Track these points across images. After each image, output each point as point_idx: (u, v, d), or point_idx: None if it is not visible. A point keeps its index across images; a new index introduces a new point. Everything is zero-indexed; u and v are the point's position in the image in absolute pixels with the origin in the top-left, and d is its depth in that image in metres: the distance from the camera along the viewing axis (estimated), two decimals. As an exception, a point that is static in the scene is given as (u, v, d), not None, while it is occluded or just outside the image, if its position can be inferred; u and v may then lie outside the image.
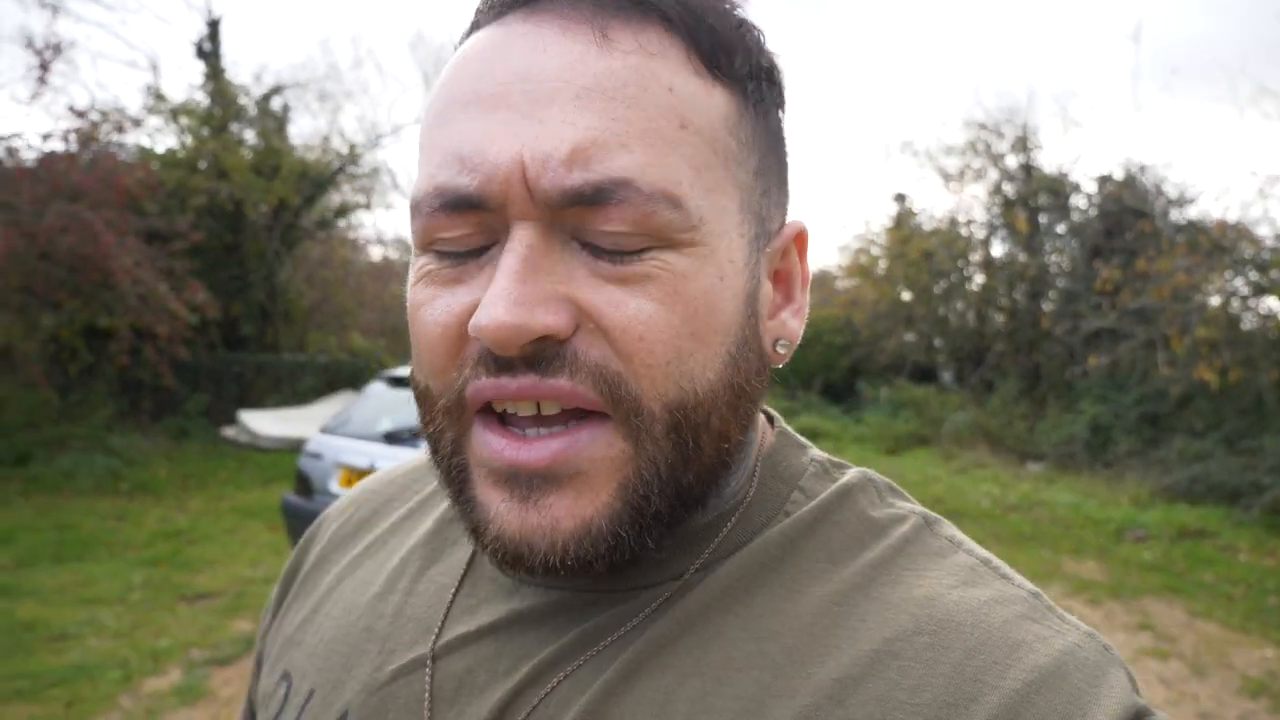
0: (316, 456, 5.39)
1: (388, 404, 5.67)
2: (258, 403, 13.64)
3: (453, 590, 0.64)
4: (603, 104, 0.49)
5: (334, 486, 5.26)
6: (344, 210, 16.56)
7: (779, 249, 0.59)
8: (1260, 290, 11.97)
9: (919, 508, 0.62)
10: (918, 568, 0.56)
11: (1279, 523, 9.45)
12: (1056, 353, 15.32)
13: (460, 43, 0.57)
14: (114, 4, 25.03)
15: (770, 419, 0.66)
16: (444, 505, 0.72)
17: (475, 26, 0.56)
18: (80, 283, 10.33)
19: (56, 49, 10.21)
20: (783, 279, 0.60)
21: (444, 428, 0.53)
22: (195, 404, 12.88)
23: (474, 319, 0.48)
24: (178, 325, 10.72)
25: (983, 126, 17.14)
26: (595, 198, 0.48)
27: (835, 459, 0.65)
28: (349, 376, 14.61)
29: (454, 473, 0.54)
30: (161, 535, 7.36)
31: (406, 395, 5.71)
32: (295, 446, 11.69)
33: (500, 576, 0.62)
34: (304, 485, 5.39)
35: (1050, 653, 0.51)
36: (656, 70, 0.50)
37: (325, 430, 5.63)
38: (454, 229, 0.51)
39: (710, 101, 0.52)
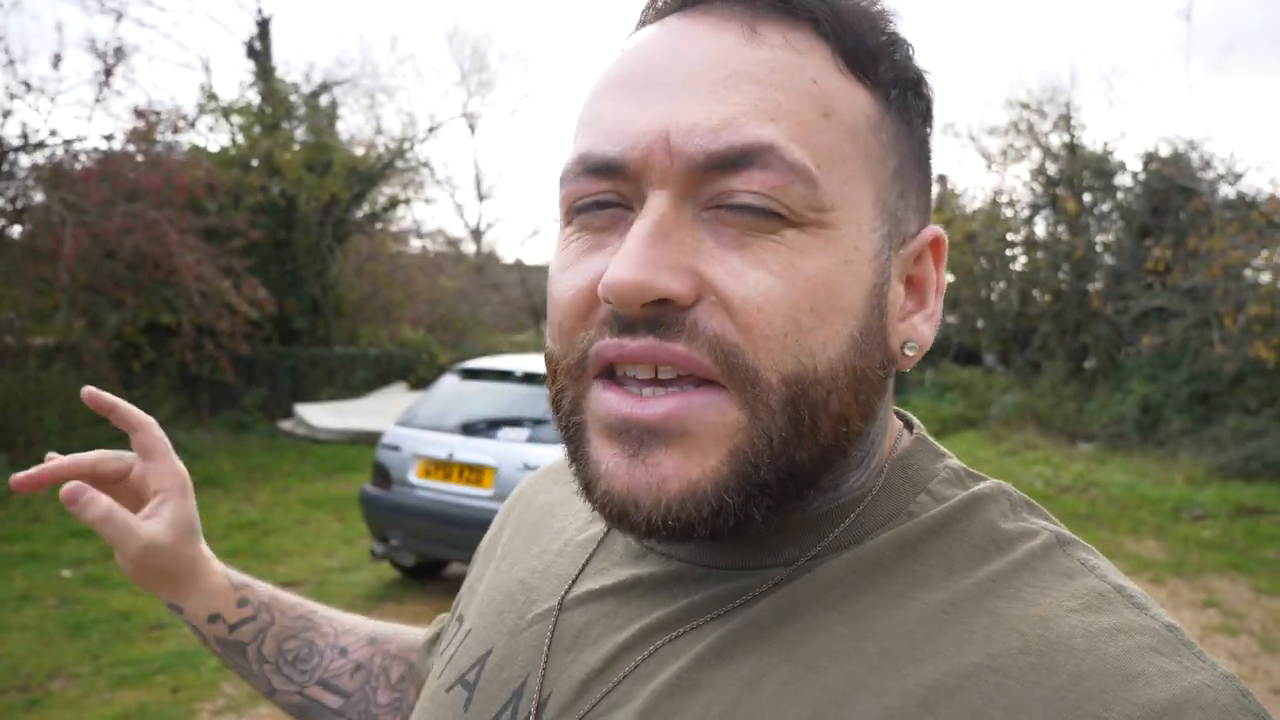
0: (394, 448, 5.56)
1: (460, 396, 5.83)
2: (312, 396, 13.90)
3: (590, 551, 0.69)
4: (750, 86, 0.51)
5: (413, 477, 5.43)
6: (392, 204, 16.80)
7: (913, 253, 0.59)
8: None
9: (1055, 525, 0.59)
10: (1040, 585, 0.54)
11: (1340, 500, 9.38)
12: (1104, 333, 15.16)
13: (625, 41, 0.60)
14: (167, 5, 25.06)
15: (909, 425, 0.67)
16: None
17: (641, 25, 0.60)
18: (143, 281, 10.61)
19: (119, 53, 10.46)
20: (916, 284, 0.60)
21: (565, 386, 0.56)
22: (252, 398, 13.14)
23: (604, 278, 0.50)
24: (237, 321, 10.98)
25: (1025, 106, 16.97)
26: (739, 160, 0.50)
27: (972, 470, 0.63)
28: (400, 368, 14.87)
29: (571, 430, 0.56)
30: (236, 527, 7.59)
31: (478, 388, 5.87)
32: (351, 438, 11.96)
33: (631, 544, 0.65)
34: (382, 476, 5.57)
35: (1172, 690, 0.46)
36: (802, 64, 0.53)
37: (400, 423, 5.79)
38: (592, 194, 0.54)
39: (853, 99, 0.54)
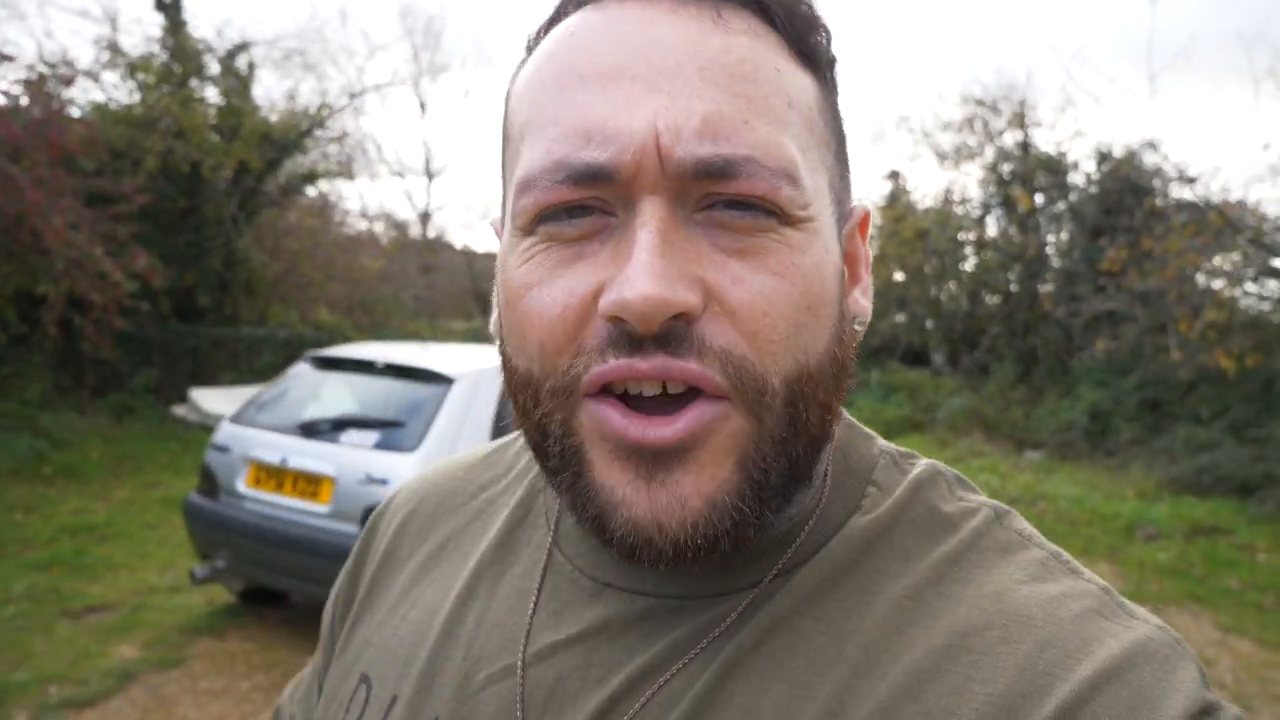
0: (223, 450, 4.60)
1: (310, 389, 4.88)
2: (212, 379, 12.84)
3: (534, 595, 0.63)
4: (725, 79, 0.50)
5: (241, 486, 4.47)
6: (312, 176, 15.66)
7: (849, 231, 0.61)
8: (1271, 273, 11.35)
9: (989, 500, 0.63)
10: (988, 564, 0.57)
11: (1297, 518, 8.86)
12: (1053, 336, 14.76)
13: (547, 26, 0.58)
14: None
15: None
16: (512, 504, 0.71)
17: (563, 12, 0.57)
18: (13, 245, 9.46)
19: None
20: (851, 260, 0.61)
21: (551, 411, 0.52)
22: (143, 380, 12.04)
23: (612, 295, 0.48)
24: (115, 293, 9.86)
25: (980, 102, 16.60)
26: (725, 170, 0.49)
27: (903, 450, 0.66)
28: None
29: (568, 455, 0.52)
30: (68, 531, 6.54)
31: (333, 380, 4.94)
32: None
33: (581, 579, 0.62)
34: (209, 483, 4.61)
35: (1120, 646, 0.51)
36: (765, 51, 0.53)
37: (236, 419, 4.82)
38: (573, 203, 0.51)
39: (804, 85, 0.55)
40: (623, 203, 0.50)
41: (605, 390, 0.50)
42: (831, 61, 0.58)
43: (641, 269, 0.47)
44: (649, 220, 0.48)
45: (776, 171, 0.50)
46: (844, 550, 0.58)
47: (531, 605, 0.62)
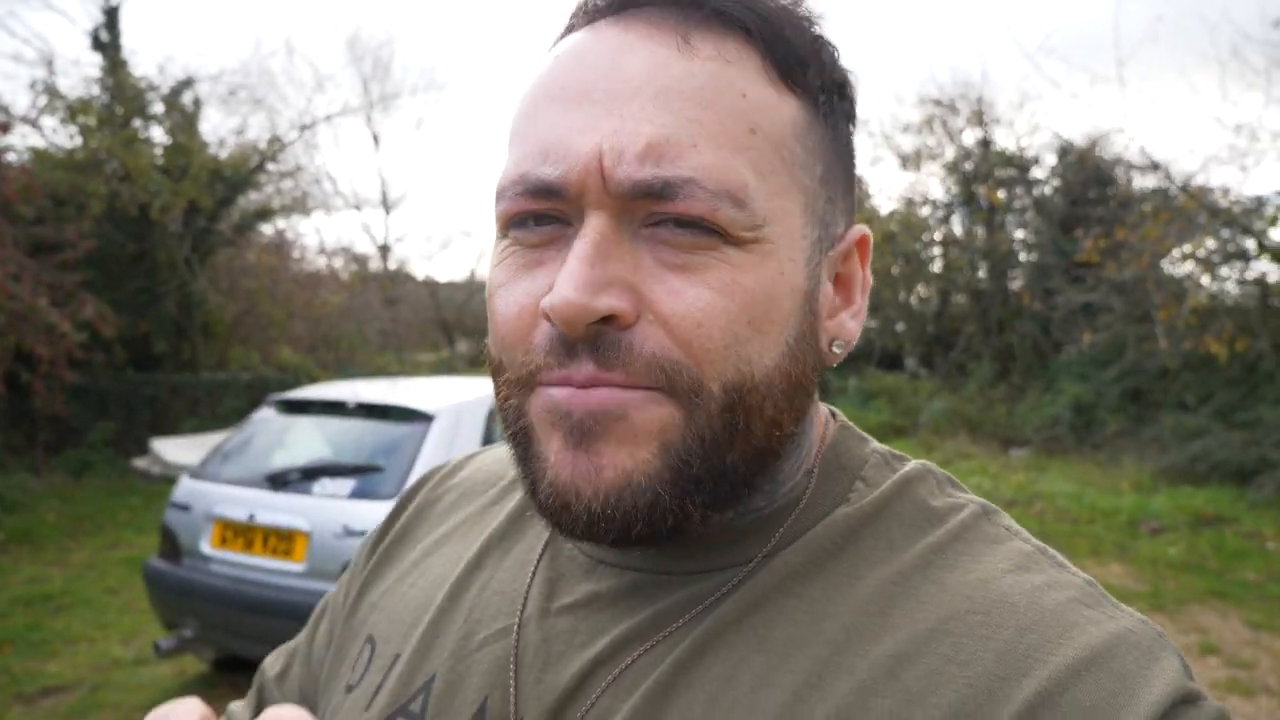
0: (184, 508, 4.20)
1: (277, 436, 4.50)
2: (173, 428, 12.32)
3: (533, 566, 0.66)
4: (680, 104, 0.51)
5: (206, 547, 4.06)
6: (266, 213, 15.21)
7: (841, 253, 0.61)
8: (1241, 256, 11.28)
9: (977, 499, 0.63)
10: (974, 553, 0.57)
11: (1298, 502, 8.70)
12: (1029, 331, 14.65)
13: (555, 45, 0.60)
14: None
15: (833, 414, 0.68)
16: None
17: (570, 29, 0.59)
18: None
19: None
20: (843, 282, 0.62)
21: (509, 396, 0.56)
22: (100, 433, 11.50)
23: (545, 299, 0.51)
24: (65, 345, 9.36)
25: (938, 103, 16.58)
26: (664, 192, 0.50)
27: (895, 451, 0.67)
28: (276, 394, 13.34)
29: (519, 434, 0.55)
30: (23, 602, 6.06)
31: (301, 424, 4.55)
32: (213, 476, 10.38)
33: (578, 555, 0.64)
34: (170, 545, 4.20)
35: (1102, 634, 0.51)
36: (732, 77, 0.53)
37: (196, 474, 4.42)
38: (534, 213, 0.54)
39: (781, 109, 0.55)
40: (576, 215, 0.52)
41: None
42: (831, 83, 0.58)
43: (568, 276, 0.49)
44: (588, 233, 0.51)
45: (717, 193, 0.51)
46: (828, 535, 0.59)
47: (530, 575, 0.65)
